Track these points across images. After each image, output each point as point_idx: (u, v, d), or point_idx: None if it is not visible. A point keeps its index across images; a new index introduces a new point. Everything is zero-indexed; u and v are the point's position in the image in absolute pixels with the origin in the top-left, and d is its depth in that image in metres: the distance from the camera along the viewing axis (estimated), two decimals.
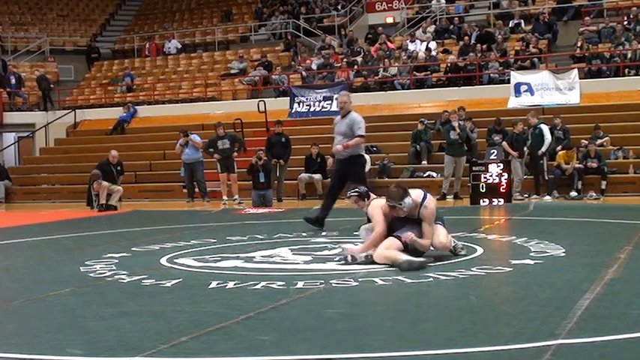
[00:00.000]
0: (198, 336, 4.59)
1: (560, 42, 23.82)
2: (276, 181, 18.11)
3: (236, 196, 17.47)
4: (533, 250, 8.02)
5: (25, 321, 5.33)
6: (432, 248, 7.44)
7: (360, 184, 9.64)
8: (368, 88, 23.23)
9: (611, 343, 4.26)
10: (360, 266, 7.12)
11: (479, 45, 22.84)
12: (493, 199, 15.37)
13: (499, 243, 9.20)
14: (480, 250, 8.10)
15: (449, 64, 22.40)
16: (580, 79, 20.49)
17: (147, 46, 30.16)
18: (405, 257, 6.95)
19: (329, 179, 18.91)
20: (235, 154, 17.73)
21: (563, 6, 24.99)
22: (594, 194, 16.48)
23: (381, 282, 6.32)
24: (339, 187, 10.92)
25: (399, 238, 7.26)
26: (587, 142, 17.47)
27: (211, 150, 17.63)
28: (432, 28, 25.17)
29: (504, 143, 16.75)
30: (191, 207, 17.57)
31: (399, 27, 27.42)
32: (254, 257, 8.02)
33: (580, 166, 16.84)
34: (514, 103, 20.60)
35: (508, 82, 21.07)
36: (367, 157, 18.51)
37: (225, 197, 17.53)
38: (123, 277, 6.95)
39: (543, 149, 16.41)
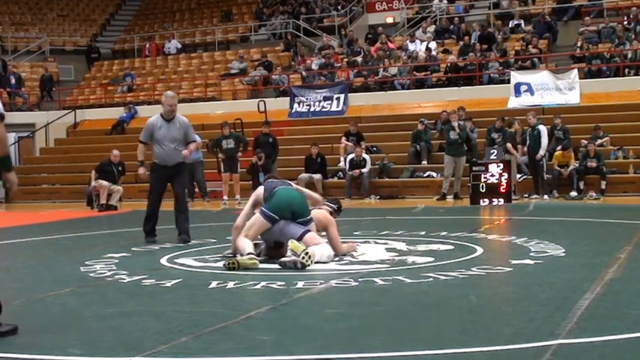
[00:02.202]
0: (198, 336, 4.59)
1: (560, 42, 23.80)
2: None
3: (237, 196, 17.47)
4: (533, 250, 8.02)
5: (25, 321, 5.33)
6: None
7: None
8: (368, 88, 23.23)
9: (611, 343, 4.26)
10: (360, 266, 7.12)
11: (479, 45, 22.84)
12: (493, 199, 15.37)
13: (499, 243, 9.21)
14: (480, 250, 8.10)
15: (449, 64, 22.38)
16: (580, 79, 20.47)
17: (147, 46, 30.14)
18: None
19: (329, 178, 19.09)
20: (240, 154, 17.73)
21: (563, 6, 24.96)
22: (594, 194, 16.48)
23: (381, 282, 6.32)
24: (162, 194, 10.38)
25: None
26: (587, 142, 17.46)
27: (216, 150, 17.63)
28: (432, 28, 25.15)
29: (509, 145, 16.79)
30: (191, 207, 17.51)
31: (399, 27, 27.40)
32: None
33: (577, 165, 16.84)
34: (514, 103, 20.58)
35: (508, 82, 21.06)
36: (367, 157, 18.58)
37: (225, 197, 17.54)
38: (123, 277, 6.95)
39: (542, 152, 16.38)
